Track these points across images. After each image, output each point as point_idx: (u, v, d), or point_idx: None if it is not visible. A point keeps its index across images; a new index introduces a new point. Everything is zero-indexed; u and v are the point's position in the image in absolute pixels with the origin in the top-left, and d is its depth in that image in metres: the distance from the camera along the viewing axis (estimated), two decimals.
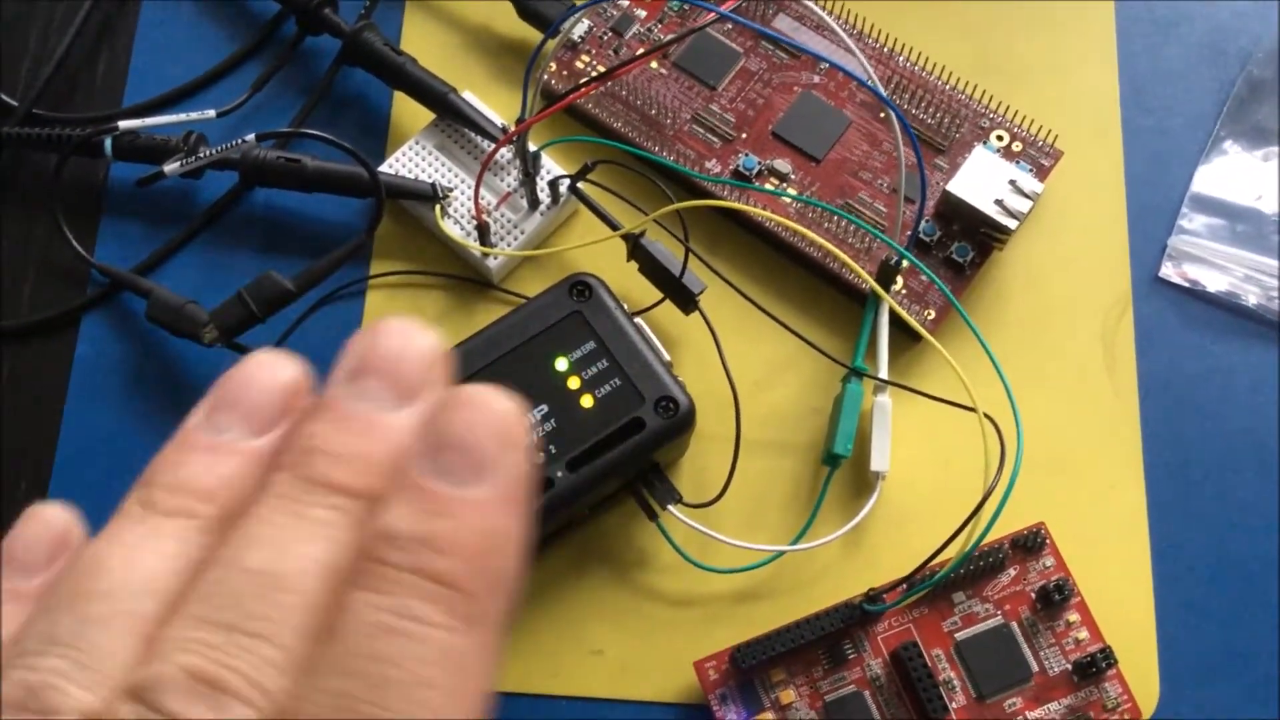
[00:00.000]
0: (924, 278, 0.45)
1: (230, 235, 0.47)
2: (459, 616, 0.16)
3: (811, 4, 0.44)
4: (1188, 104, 0.49)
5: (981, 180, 0.44)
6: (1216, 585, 0.43)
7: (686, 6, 0.49)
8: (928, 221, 0.45)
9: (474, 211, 0.44)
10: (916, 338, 0.45)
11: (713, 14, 0.41)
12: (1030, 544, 0.42)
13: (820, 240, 0.41)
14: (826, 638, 0.40)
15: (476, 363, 0.40)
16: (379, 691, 0.16)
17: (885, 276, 0.44)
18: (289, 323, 0.45)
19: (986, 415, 0.39)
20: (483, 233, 0.44)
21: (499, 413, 0.18)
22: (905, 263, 0.44)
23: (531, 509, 0.18)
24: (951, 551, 0.39)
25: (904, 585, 0.40)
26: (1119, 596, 0.42)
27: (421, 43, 0.49)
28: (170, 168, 0.43)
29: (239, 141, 0.43)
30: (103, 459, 0.44)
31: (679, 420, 0.40)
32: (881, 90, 0.42)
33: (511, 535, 0.17)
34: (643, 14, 0.49)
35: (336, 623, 0.16)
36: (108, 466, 0.44)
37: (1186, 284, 0.47)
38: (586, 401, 0.40)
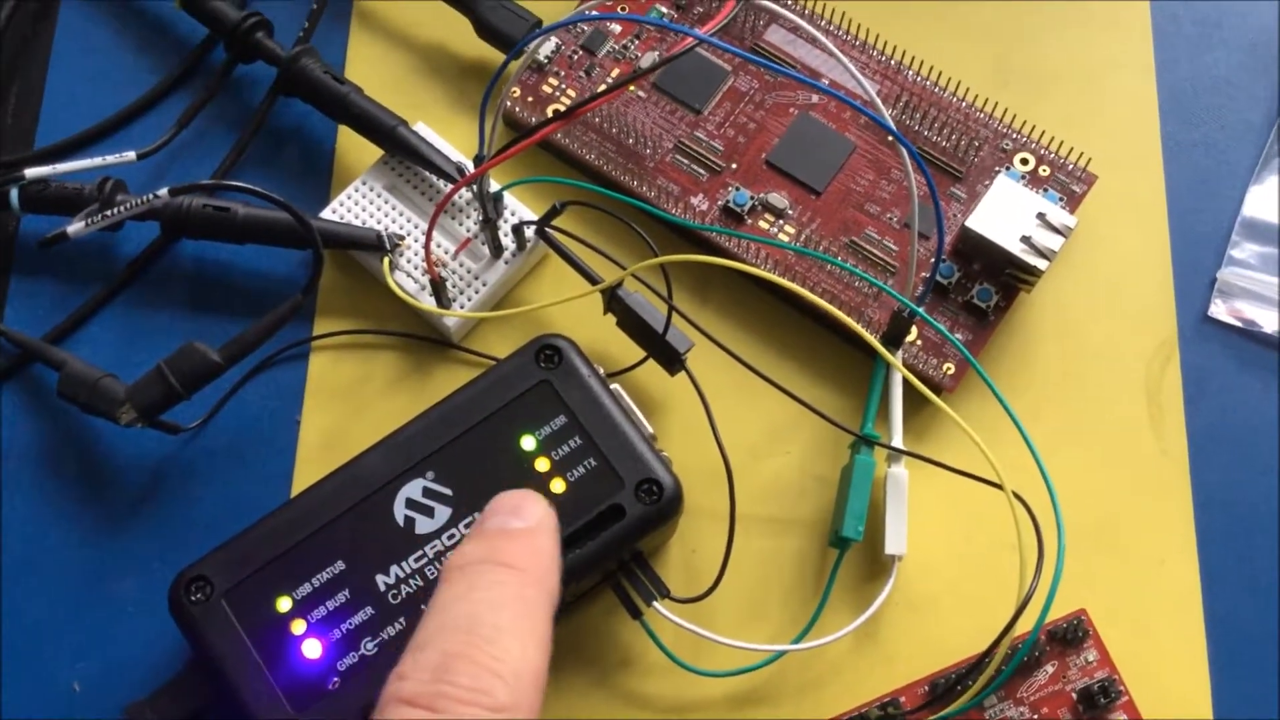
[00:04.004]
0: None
1: (156, 294, 0.41)
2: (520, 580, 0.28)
3: (802, 20, 0.38)
4: (1235, 115, 0.44)
5: (1005, 213, 0.39)
6: None
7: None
8: (945, 261, 0.40)
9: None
10: (937, 392, 0.40)
11: (693, 40, 0.35)
12: (1070, 636, 0.36)
13: (821, 303, 0.36)
14: None
15: (430, 445, 0.35)
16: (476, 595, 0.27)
17: (898, 328, 0.38)
18: (222, 392, 0.40)
19: (1017, 496, 0.34)
20: (438, 290, 0.39)
21: (515, 491, 0.30)
22: None
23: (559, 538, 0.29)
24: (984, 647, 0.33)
25: (930, 703, 0.35)
26: (1173, 694, 0.37)
27: (368, 68, 0.44)
28: (74, 229, 0.37)
29: (150, 197, 0.37)
30: (13, 554, 0.38)
31: (663, 506, 0.35)
32: (887, 119, 0.37)
33: (546, 540, 0.29)
34: (617, 29, 0.43)
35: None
36: (19, 563, 0.38)
37: (1240, 324, 0.41)
38: (558, 486, 0.35)
